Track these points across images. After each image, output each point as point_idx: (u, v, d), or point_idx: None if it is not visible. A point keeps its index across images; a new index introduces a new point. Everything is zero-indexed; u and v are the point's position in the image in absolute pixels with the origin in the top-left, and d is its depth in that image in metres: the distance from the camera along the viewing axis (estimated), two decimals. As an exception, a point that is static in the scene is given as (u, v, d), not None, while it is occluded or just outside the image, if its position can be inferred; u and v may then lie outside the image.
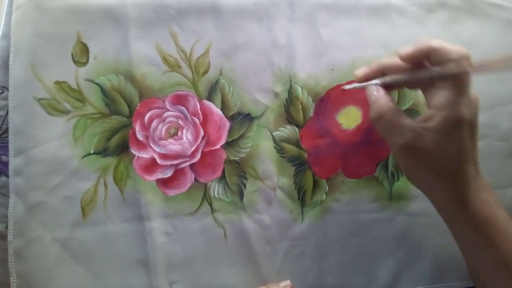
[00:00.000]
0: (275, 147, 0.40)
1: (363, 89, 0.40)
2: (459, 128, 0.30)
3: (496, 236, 0.32)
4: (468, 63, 0.29)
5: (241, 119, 0.40)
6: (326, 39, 0.41)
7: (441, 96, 0.30)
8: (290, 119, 0.41)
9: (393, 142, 0.33)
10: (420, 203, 0.41)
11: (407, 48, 0.32)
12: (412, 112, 0.41)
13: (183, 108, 0.40)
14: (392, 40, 0.42)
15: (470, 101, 0.30)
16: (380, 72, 0.35)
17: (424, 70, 0.31)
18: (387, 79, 0.34)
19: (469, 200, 0.32)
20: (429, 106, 0.32)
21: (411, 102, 0.41)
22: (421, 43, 0.31)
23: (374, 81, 0.34)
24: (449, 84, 0.30)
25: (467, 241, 0.34)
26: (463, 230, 0.34)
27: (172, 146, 0.39)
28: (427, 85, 0.32)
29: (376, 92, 0.34)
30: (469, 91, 0.30)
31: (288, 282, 0.39)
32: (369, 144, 0.41)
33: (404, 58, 0.32)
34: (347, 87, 0.38)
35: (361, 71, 0.36)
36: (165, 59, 0.40)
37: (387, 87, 0.34)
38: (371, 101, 0.34)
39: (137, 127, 0.39)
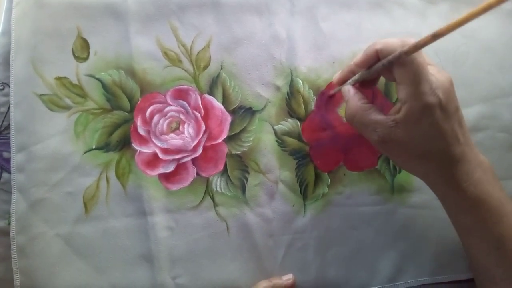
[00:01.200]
0: (276, 141, 0.40)
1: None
2: (428, 115, 0.30)
3: (489, 217, 0.32)
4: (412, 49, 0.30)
5: (243, 113, 0.40)
6: (327, 32, 0.41)
7: (402, 89, 0.31)
8: (291, 113, 0.41)
9: (369, 138, 0.34)
10: (422, 196, 0.42)
11: (359, 57, 0.34)
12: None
13: (184, 102, 0.40)
14: (392, 32, 0.42)
15: (435, 85, 0.30)
16: (351, 73, 0.36)
17: (376, 64, 0.33)
18: (355, 77, 0.35)
19: (459, 182, 0.32)
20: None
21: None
22: (367, 49, 0.33)
23: (347, 83, 0.36)
24: (405, 76, 0.30)
25: (460, 222, 0.35)
26: (455, 210, 0.34)
27: (174, 140, 0.39)
28: (393, 80, 0.33)
29: (348, 93, 0.35)
30: (427, 78, 0.30)
31: (290, 276, 0.39)
32: (370, 137, 0.41)
33: (358, 66, 0.34)
34: (331, 92, 0.40)
35: (336, 75, 0.38)
36: (165, 54, 0.40)
37: (367, 84, 0.36)
38: (345, 102, 0.36)
39: (139, 122, 0.39)
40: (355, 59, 0.35)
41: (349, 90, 0.35)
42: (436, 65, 0.33)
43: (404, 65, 0.30)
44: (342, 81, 0.37)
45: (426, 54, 0.32)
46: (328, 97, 0.41)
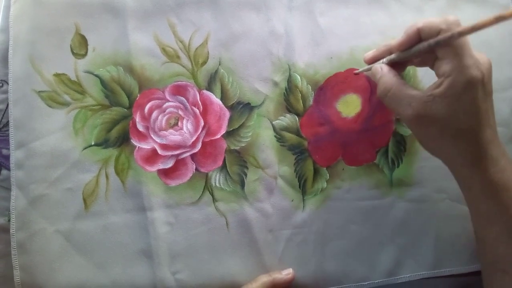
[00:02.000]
0: (275, 136, 0.41)
1: (363, 76, 0.41)
2: (470, 90, 0.30)
3: (511, 204, 0.32)
4: (457, 27, 0.30)
5: (241, 109, 0.40)
6: (324, 27, 0.41)
7: (444, 64, 0.30)
8: (289, 108, 0.41)
9: (402, 114, 0.33)
10: (421, 190, 0.42)
11: (400, 38, 0.33)
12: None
13: (183, 98, 0.40)
14: (390, 27, 0.42)
15: (478, 62, 0.30)
16: (388, 53, 0.35)
17: (420, 43, 0.32)
18: (392, 56, 0.35)
19: (486, 166, 0.32)
20: (437, 76, 0.32)
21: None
22: (409, 29, 0.32)
23: (379, 62, 0.36)
24: (449, 51, 0.30)
25: (480, 208, 0.34)
26: (478, 195, 0.34)
27: (173, 136, 0.39)
28: (431, 59, 0.32)
29: (381, 70, 0.35)
30: (471, 54, 0.30)
31: (290, 270, 0.39)
32: (369, 131, 0.41)
33: (398, 48, 0.34)
34: (358, 71, 0.39)
35: (369, 53, 0.37)
36: (164, 50, 0.40)
37: (396, 68, 0.35)
38: (377, 79, 0.35)
39: (138, 118, 0.39)
40: (394, 41, 0.34)
41: (381, 67, 0.35)
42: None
43: (447, 33, 0.29)
44: (375, 60, 0.37)
45: None
46: (354, 74, 0.40)
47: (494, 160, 0.32)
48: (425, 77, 0.42)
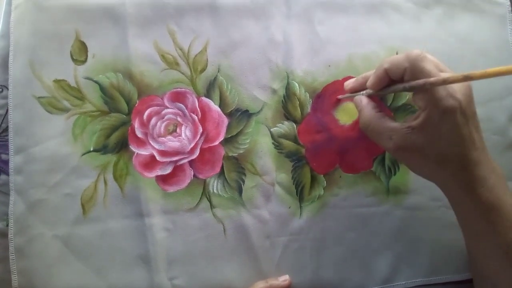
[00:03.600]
0: (273, 143, 0.41)
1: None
2: (447, 119, 0.30)
3: (500, 222, 0.32)
4: (421, 61, 0.31)
5: (239, 116, 0.41)
6: (323, 36, 0.42)
7: (418, 99, 0.31)
8: (287, 115, 0.41)
9: (384, 146, 0.34)
10: (417, 197, 0.42)
11: (371, 80, 0.35)
12: (408, 107, 0.42)
13: (181, 105, 0.40)
14: (388, 36, 0.42)
15: (452, 90, 0.30)
16: (365, 84, 0.36)
17: (394, 86, 0.33)
18: (369, 91, 0.36)
19: (474, 186, 0.32)
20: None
21: (407, 97, 0.42)
22: (377, 70, 0.34)
23: (360, 93, 0.37)
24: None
25: (471, 226, 0.35)
26: (468, 214, 0.34)
27: (171, 143, 0.40)
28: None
29: (360, 102, 0.36)
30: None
31: (286, 277, 0.40)
32: (366, 139, 0.41)
33: (372, 87, 0.35)
34: (341, 97, 0.41)
35: (348, 83, 0.39)
36: (163, 57, 0.40)
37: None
38: (358, 111, 0.36)
39: (136, 124, 0.40)
40: (368, 83, 0.35)
41: (361, 100, 0.36)
42: (452, 71, 0.33)
43: (417, 77, 0.30)
44: (355, 91, 0.38)
45: (440, 62, 0.32)
46: (336, 100, 0.41)
47: (482, 180, 0.32)
48: None
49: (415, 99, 0.32)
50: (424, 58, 0.31)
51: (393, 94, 0.42)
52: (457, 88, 0.30)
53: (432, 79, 0.29)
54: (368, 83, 0.35)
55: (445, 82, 0.28)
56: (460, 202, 0.34)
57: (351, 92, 0.38)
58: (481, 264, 0.36)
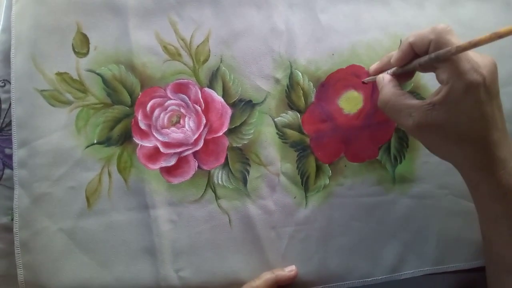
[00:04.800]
0: (277, 133, 0.41)
1: (364, 72, 0.41)
2: (470, 94, 0.29)
3: None
4: (447, 34, 0.30)
5: (243, 106, 0.40)
6: (325, 24, 0.41)
7: (442, 72, 0.30)
8: (291, 105, 0.41)
9: (403, 124, 0.33)
10: (423, 186, 0.42)
11: (395, 55, 0.34)
12: (414, 94, 0.41)
13: (184, 96, 0.40)
14: (391, 23, 0.42)
15: (476, 65, 0.29)
16: (389, 64, 0.36)
17: (419, 59, 0.33)
18: (394, 69, 0.36)
19: (494, 169, 0.31)
20: (439, 83, 0.32)
21: (412, 85, 0.41)
22: (402, 45, 0.33)
23: (384, 73, 0.36)
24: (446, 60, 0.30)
25: (489, 209, 0.34)
26: (485, 197, 0.33)
27: (175, 134, 0.40)
28: (431, 67, 0.32)
29: (382, 80, 0.36)
30: (468, 58, 0.29)
31: (293, 267, 0.39)
32: (370, 128, 0.41)
33: (397, 64, 0.35)
34: (365, 80, 0.40)
35: (373, 66, 0.39)
36: (165, 48, 0.40)
37: (404, 75, 0.36)
38: (379, 89, 0.36)
39: (140, 116, 0.39)
40: (392, 60, 0.35)
41: (383, 77, 0.36)
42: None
43: (444, 49, 0.30)
44: (379, 72, 0.37)
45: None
46: (362, 83, 0.41)
47: (503, 163, 0.31)
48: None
49: (438, 73, 0.31)
50: (450, 31, 0.30)
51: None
52: (482, 64, 0.30)
53: (460, 44, 0.28)
54: (393, 60, 0.34)
55: (474, 45, 0.27)
56: (478, 184, 0.33)
57: (376, 74, 0.38)
58: (496, 249, 0.35)
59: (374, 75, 0.38)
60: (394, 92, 0.34)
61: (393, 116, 0.34)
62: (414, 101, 0.32)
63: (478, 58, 0.30)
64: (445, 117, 0.30)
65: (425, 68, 0.33)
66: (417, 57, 0.33)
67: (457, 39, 0.30)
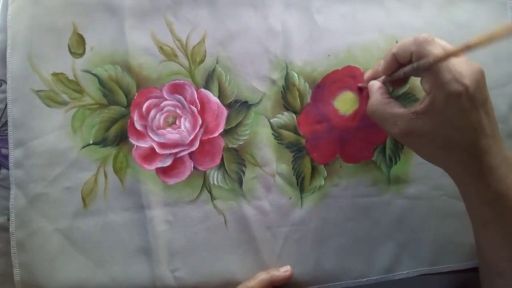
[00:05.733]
0: (273, 134, 0.41)
1: (360, 74, 0.41)
2: (452, 104, 0.30)
3: (508, 212, 0.32)
4: (428, 45, 0.30)
5: (239, 107, 0.40)
6: (321, 25, 0.41)
7: (424, 82, 0.31)
8: (287, 106, 0.41)
9: (390, 132, 0.34)
10: (418, 186, 0.42)
11: (381, 65, 0.35)
12: (409, 96, 0.42)
13: (180, 97, 0.40)
14: (387, 24, 0.42)
15: (458, 75, 0.29)
16: (379, 74, 0.37)
17: (401, 69, 0.34)
18: (383, 78, 0.37)
19: (483, 175, 0.31)
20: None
21: (408, 86, 0.41)
22: (386, 56, 0.34)
23: (377, 80, 0.37)
24: (427, 69, 0.30)
25: (479, 214, 0.34)
26: (475, 202, 0.34)
27: (171, 135, 0.40)
28: (417, 75, 0.33)
29: (372, 87, 0.36)
30: (449, 68, 0.29)
31: (288, 268, 0.40)
32: (366, 129, 0.41)
33: (383, 73, 0.36)
34: (360, 85, 0.41)
35: (367, 73, 0.40)
36: (161, 49, 0.40)
37: (397, 82, 0.37)
38: (370, 96, 0.37)
39: (135, 117, 0.39)
40: (380, 67, 0.36)
41: (373, 84, 0.36)
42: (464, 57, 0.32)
43: (423, 59, 0.30)
44: (372, 78, 0.38)
45: (451, 46, 0.31)
46: (358, 88, 0.41)
47: (491, 169, 0.31)
48: None
49: (422, 82, 0.32)
50: (431, 41, 0.30)
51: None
52: (465, 73, 0.30)
53: (435, 55, 0.29)
54: (380, 68, 0.36)
55: (448, 55, 0.28)
56: (468, 190, 0.34)
57: (369, 81, 0.38)
58: (486, 251, 0.35)
59: (368, 82, 0.39)
60: (381, 100, 0.35)
61: (380, 124, 0.35)
62: (400, 110, 0.33)
63: (463, 66, 0.30)
64: (430, 126, 0.31)
65: (411, 76, 0.34)
66: (402, 65, 0.34)
67: (438, 49, 0.30)
